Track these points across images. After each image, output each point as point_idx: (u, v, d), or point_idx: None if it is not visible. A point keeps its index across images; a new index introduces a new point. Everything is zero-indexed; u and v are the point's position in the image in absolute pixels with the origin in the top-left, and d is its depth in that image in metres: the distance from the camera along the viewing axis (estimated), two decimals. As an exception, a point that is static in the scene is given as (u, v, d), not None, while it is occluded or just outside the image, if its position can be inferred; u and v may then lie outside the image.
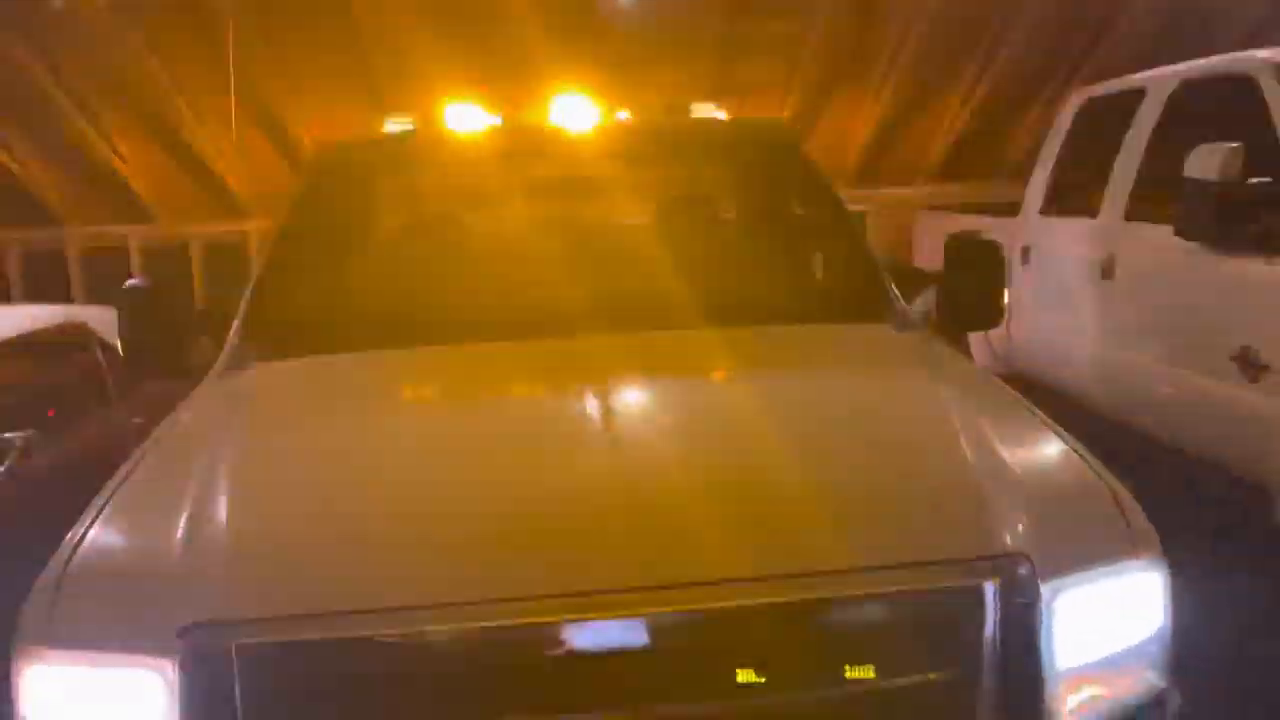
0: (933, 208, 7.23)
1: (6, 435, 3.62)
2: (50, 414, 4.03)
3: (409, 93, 6.55)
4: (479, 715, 1.55)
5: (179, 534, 1.71)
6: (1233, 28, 7.11)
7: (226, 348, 2.71)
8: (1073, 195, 5.05)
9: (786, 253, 3.11)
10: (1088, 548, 1.73)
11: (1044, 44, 7.50)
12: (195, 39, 7.00)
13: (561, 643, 1.52)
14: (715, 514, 1.68)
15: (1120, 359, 4.40)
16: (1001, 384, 2.45)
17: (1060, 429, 2.11)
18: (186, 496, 1.82)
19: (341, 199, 3.15)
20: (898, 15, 7.30)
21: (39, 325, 4.41)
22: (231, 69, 6.38)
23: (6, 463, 3.56)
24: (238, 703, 1.51)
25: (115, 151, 7.91)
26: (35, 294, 8.00)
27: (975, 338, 6.03)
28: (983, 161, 8.35)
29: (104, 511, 1.88)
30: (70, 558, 1.75)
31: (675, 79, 6.78)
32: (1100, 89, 5.15)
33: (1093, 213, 4.67)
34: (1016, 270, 5.42)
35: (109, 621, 1.62)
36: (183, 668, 1.51)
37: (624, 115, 3.34)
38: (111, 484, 2.01)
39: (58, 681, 1.61)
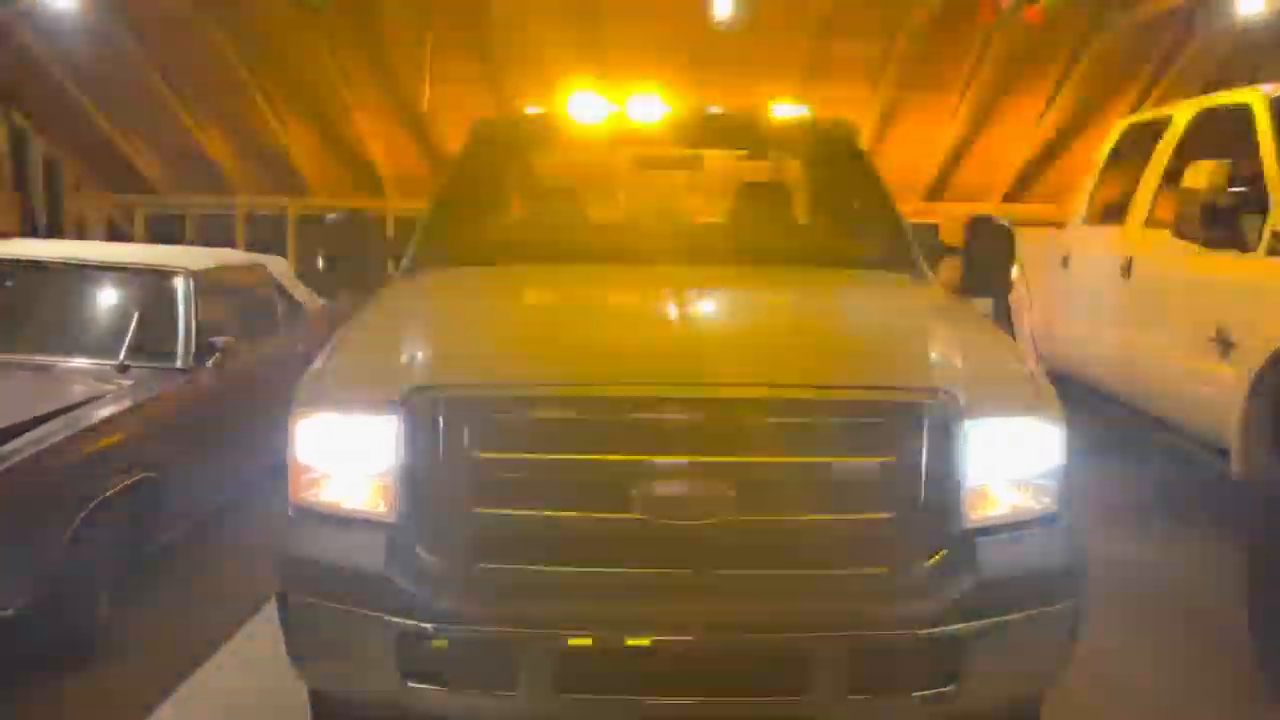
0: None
1: (214, 339, 4.69)
2: (241, 328, 5.12)
3: (524, 95, 7.62)
4: (572, 450, 2.36)
5: (397, 341, 2.64)
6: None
7: (405, 259, 3.66)
8: (1108, 207, 5.73)
9: (835, 219, 3.96)
10: (1003, 401, 2.51)
11: (1110, 75, 8.12)
12: (359, 43, 8.22)
13: (637, 408, 2.36)
14: (749, 349, 2.58)
15: (1133, 347, 5.07)
16: (982, 315, 3.25)
17: (1010, 340, 2.93)
18: (397, 325, 2.79)
19: (494, 158, 4.12)
20: (973, 44, 8.01)
21: (234, 262, 5.55)
22: (428, 76, 7.46)
23: (216, 356, 4.63)
24: (441, 437, 2.38)
25: (285, 133, 9.22)
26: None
27: (1024, 340, 6.66)
28: (1050, 182, 8.97)
29: (344, 338, 2.84)
30: (328, 358, 2.70)
31: (769, 91, 7.61)
32: (1137, 117, 5.83)
33: (1121, 221, 5.36)
34: (1059, 274, 6.10)
35: (359, 391, 2.54)
36: (407, 415, 2.40)
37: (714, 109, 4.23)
38: (341, 330, 2.96)
39: (325, 428, 2.51)
